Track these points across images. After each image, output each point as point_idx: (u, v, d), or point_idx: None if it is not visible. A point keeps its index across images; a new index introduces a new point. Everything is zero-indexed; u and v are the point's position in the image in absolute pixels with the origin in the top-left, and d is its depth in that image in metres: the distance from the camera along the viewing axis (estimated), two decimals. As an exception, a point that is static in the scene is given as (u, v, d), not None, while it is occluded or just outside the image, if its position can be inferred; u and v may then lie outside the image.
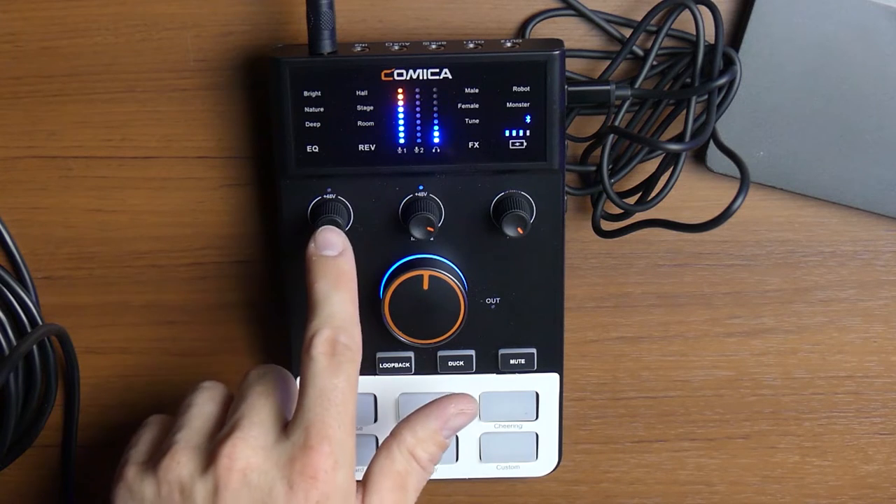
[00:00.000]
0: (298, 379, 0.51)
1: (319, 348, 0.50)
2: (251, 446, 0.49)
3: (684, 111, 0.56)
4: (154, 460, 0.51)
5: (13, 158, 0.60)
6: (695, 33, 0.55)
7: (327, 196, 0.56)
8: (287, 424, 0.50)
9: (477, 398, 0.60)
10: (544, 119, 0.54)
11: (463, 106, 0.54)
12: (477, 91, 0.54)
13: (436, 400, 0.54)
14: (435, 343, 0.58)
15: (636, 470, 0.66)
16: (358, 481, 0.51)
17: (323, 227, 0.54)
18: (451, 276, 0.56)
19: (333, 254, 0.53)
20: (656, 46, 0.56)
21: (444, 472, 0.62)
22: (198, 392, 0.54)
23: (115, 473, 0.52)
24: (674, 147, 0.55)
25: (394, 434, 0.53)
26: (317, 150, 0.55)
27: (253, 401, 0.51)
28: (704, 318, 0.63)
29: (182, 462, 0.50)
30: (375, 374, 0.59)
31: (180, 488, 0.50)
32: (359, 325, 0.52)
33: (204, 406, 0.54)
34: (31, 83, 0.59)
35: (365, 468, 0.52)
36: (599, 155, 0.56)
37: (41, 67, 0.58)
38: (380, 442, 0.60)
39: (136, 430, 0.55)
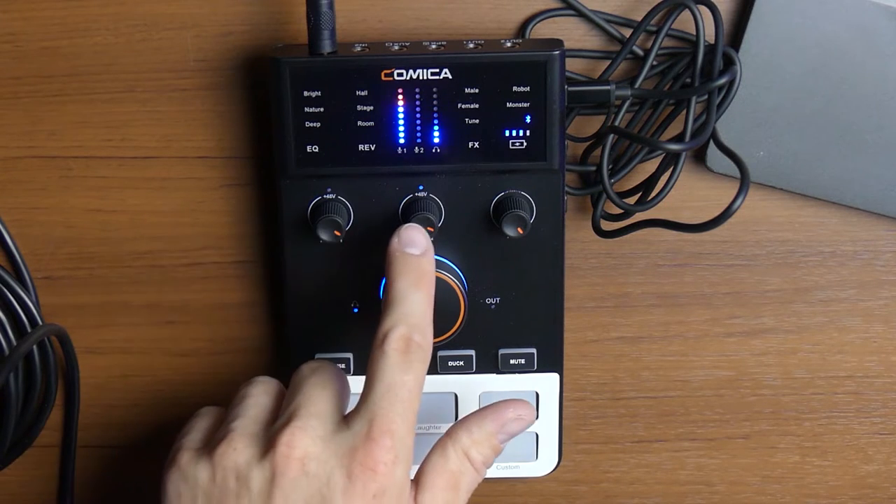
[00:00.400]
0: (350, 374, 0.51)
1: (393, 344, 0.50)
2: (310, 436, 0.49)
3: (684, 111, 0.56)
4: (209, 447, 0.51)
5: (13, 158, 0.60)
6: (695, 33, 0.55)
7: (327, 196, 0.56)
8: (346, 417, 0.50)
9: (477, 398, 0.60)
10: (544, 119, 0.54)
11: (463, 106, 0.54)
12: (477, 91, 0.54)
13: (494, 403, 0.54)
14: (435, 343, 0.57)
15: (636, 470, 0.66)
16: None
17: (408, 224, 0.54)
18: (451, 276, 0.56)
19: (416, 252, 0.53)
20: (656, 46, 0.56)
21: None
22: (252, 385, 0.54)
23: (168, 460, 0.52)
24: (674, 147, 0.55)
25: (449, 434, 0.52)
26: (317, 150, 0.55)
27: (309, 392, 0.51)
28: (704, 318, 0.63)
29: (239, 448, 0.50)
30: (375, 374, 0.59)
31: (236, 474, 0.49)
32: (432, 326, 0.52)
33: (259, 397, 0.53)
34: (31, 83, 0.59)
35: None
36: (599, 155, 0.56)
37: (41, 67, 0.58)
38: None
39: (187, 420, 0.55)
